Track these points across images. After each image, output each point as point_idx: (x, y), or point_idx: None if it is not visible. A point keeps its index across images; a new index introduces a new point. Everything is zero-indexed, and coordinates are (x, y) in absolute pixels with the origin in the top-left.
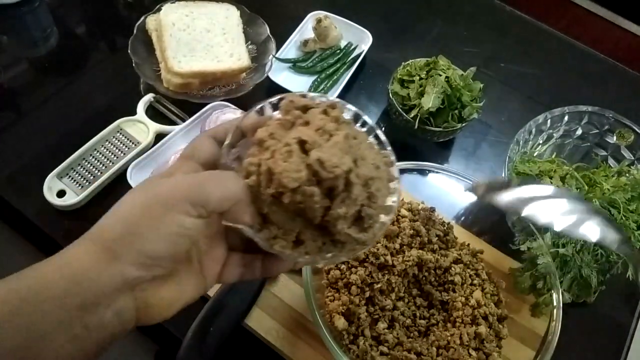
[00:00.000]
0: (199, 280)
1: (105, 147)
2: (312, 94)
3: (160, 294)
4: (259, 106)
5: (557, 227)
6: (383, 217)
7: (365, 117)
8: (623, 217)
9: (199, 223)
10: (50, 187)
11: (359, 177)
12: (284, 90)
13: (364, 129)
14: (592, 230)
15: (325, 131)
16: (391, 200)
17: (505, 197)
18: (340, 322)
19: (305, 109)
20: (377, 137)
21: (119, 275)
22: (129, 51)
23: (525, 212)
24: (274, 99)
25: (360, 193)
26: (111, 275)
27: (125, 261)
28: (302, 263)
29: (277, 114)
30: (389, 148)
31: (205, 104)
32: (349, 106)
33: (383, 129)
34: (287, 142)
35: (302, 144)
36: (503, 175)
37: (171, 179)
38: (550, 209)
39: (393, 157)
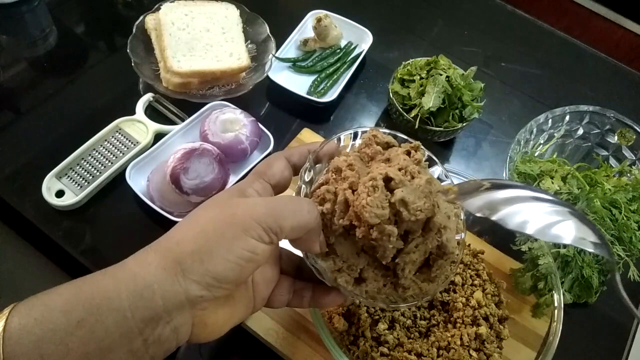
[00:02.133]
0: (249, 301)
1: (104, 147)
2: (393, 132)
3: (217, 314)
4: (339, 135)
5: (530, 231)
6: (448, 269)
7: (439, 163)
8: (624, 217)
9: (268, 249)
10: (49, 187)
11: (435, 225)
12: (284, 90)
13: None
14: (566, 233)
15: (408, 172)
16: (456, 253)
17: (475, 202)
18: (341, 323)
19: (386, 145)
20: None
21: (184, 293)
22: (128, 50)
23: (496, 216)
24: (354, 130)
25: (433, 241)
26: (176, 292)
27: (191, 279)
28: (357, 301)
29: (355, 145)
30: (460, 200)
31: (205, 104)
32: (425, 149)
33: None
34: (372, 176)
35: (388, 182)
36: (504, 175)
37: (248, 200)
38: (522, 212)
39: (462, 209)
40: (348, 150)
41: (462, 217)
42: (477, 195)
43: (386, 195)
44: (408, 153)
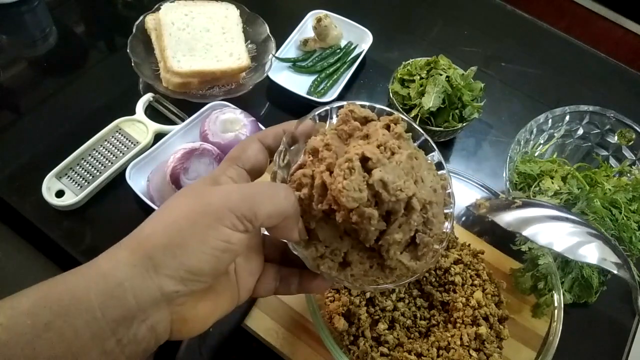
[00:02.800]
0: (233, 293)
1: (104, 147)
2: (370, 104)
3: (197, 308)
4: (315, 113)
5: (558, 248)
6: (437, 245)
7: (426, 136)
8: (624, 217)
9: (244, 238)
10: (49, 187)
11: (419, 202)
12: (284, 90)
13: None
14: (592, 253)
15: (387, 148)
16: (446, 227)
17: (506, 218)
18: (341, 323)
19: (364, 120)
20: (439, 159)
21: (157, 288)
22: (128, 50)
23: (527, 232)
24: (330, 106)
25: (417, 218)
26: (149, 289)
27: (164, 274)
28: (345, 285)
29: (333, 122)
30: (446, 170)
31: (205, 104)
32: (409, 120)
33: None
34: (348, 157)
35: (365, 161)
36: (504, 175)
37: (221, 188)
38: (551, 230)
39: (450, 180)
40: (326, 128)
41: (450, 189)
42: (508, 211)
43: (364, 177)
44: (387, 127)
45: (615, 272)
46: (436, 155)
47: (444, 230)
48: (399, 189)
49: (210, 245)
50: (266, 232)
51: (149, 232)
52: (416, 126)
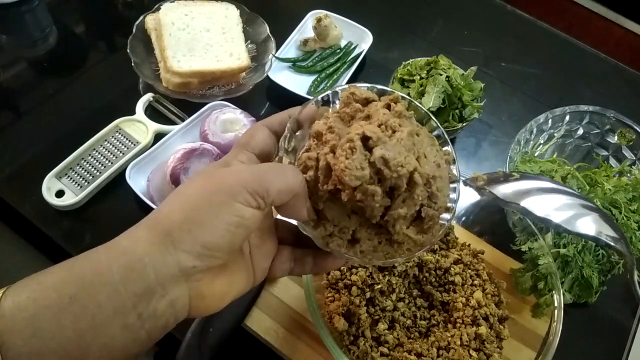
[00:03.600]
0: (249, 273)
1: (104, 147)
2: (371, 85)
3: (214, 285)
4: (318, 97)
5: (555, 220)
6: (443, 218)
7: (429, 114)
8: (624, 217)
9: (257, 214)
10: (49, 187)
11: (422, 177)
12: (284, 90)
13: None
14: (589, 226)
15: (388, 127)
16: (452, 200)
17: (503, 189)
18: (341, 323)
19: (365, 101)
20: (438, 133)
21: (176, 264)
22: (128, 50)
23: (523, 204)
24: (332, 90)
25: (421, 193)
26: (167, 264)
27: (182, 249)
28: (356, 262)
29: (335, 106)
30: (450, 145)
31: (205, 104)
32: (410, 99)
33: None
34: (349, 137)
35: (366, 141)
36: None
37: (233, 168)
38: (548, 202)
39: (454, 155)
40: (329, 112)
41: (455, 163)
42: (506, 183)
43: (365, 155)
44: (388, 107)
45: (612, 244)
46: (444, 132)
47: (449, 204)
48: (400, 165)
49: (224, 220)
50: (279, 216)
51: (166, 211)
52: (418, 105)
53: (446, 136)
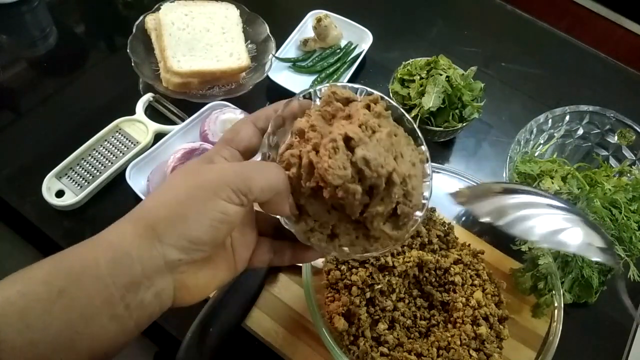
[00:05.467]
0: (230, 264)
1: (104, 147)
2: (351, 85)
3: (197, 277)
4: (301, 95)
5: (533, 237)
6: (417, 215)
7: (404, 112)
8: (624, 217)
9: (240, 210)
10: (49, 187)
11: (399, 176)
12: (284, 90)
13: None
14: (574, 239)
15: (368, 127)
16: (424, 198)
17: (483, 207)
18: (341, 323)
19: (346, 101)
20: (414, 132)
21: (161, 257)
22: (127, 50)
23: (502, 221)
24: (315, 88)
25: (398, 191)
26: (153, 257)
27: (167, 243)
28: (334, 255)
29: (317, 104)
30: (424, 145)
31: (205, 104)
32: (387, 99)
33: None
34: (332, 137)
35: (348, 141)
36: (504, 175)
37: (216, 165)
38: (531, 217)
39: (427, 154)
40: (312, 110)
41: (428, 162)
42: (486, 200)
43: (347, 155)
44: (368, 107)
45: (598, 258)
46: (419, 132)
47: (423, 201)
48: (380, 165)
49: (208, 216)
50: (260, 209)
51: (151, 206)
52: (394, 103)
53: (421, 135)
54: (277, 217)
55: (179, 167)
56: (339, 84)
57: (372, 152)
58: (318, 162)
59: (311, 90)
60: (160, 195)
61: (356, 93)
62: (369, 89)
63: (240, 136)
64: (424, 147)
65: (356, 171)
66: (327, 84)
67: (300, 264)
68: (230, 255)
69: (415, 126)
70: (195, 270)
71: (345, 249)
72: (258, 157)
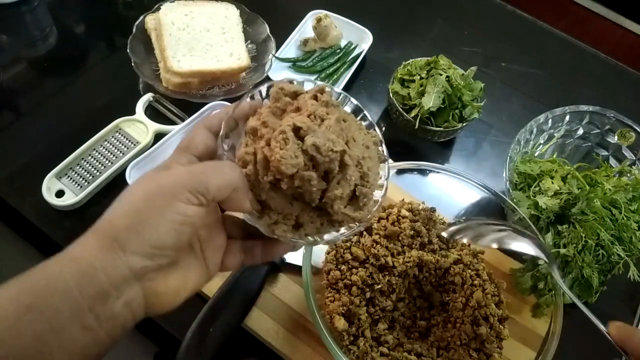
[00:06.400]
0: (202, 269)
1: (104, 147)
2: (298, 79)
3: (167, 283)
4: (249, 94)
5: (484, 242)
6: (376, 195)
7: (351, 98)
8: (624, 217)
9: (200, 211)
10: (49, 187)
11: (352, 158)
12: None
13: (349, 109)
14: (523, 247)
15: (317, 116)
16: (382, 178)
17: (469, 234)
18: (341, 323)
19: (294, 95)
20: (363, 117)
21: (126, 266)
22: (128, 50)
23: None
24: (263, 87)
25: (353, 173)
26: (118, 267)
27: (131, 251)
28: (302, 244)
29: (266, 102)
30: (376, 128)
31: (205, 104)
32: (335, 89)
33: (383, 128)
34: (282, 129)
35: (297, 131)
36: (504, 175)
37: (171, 170)
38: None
39: (380, 136)
40: (262, 108)
41: (382, 146)
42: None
43: (298, 144)
44: (315, 97)
45: (533, 253)
46: (368, 116)
47: (382, 181)
48: (331, 149)
49: (168, 219)
50: (227, 212)
51: (111, 218)
52: (340, 91)
53: (371, 119)
54: (242, 215)
55: None
56: (284, 79)
57: (322, 138)
58: (271, 154)
59: (259, 89)
60: (119, 206)
61: (303, 86)
62: (318, 82)
63: (195, 142)
64: (376, 130)
65: (308, 158)
66: (274, 81)
67: (300, 265)
68: (201, 259)
69: (360, 106)
70: (163, 277)
71: (311, 237)
72: None
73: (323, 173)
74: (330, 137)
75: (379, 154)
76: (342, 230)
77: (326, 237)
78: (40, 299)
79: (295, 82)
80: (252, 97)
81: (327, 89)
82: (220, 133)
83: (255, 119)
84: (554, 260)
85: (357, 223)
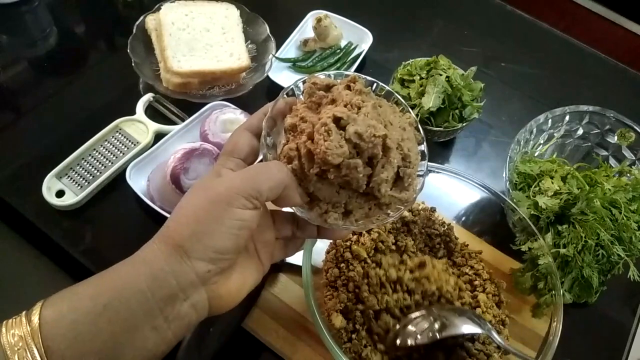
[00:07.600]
0: (257, 265)
1: (104, 147)
2: (328, 72)
3: (228, 284)
4: (285, 91)
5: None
6: (420, 172)
7: (381, 84)
8: (624, 217)
9: (255, 214)
10: (49, 187)
11: (393, 142)
12: None
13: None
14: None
15: (353, 105)
16: (419, 158)
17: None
18: (338, 320)
19: (327, 88)
20: (396, 101)
21: (192, 271)
22: (128, 51)
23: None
24: (298, 82)
25: (395, 156)
26: (185, 272)
27: (196, 257)
28: (354, 229)
29: (301, 98)
30: (410, 111)
31: (205, 104)
32: (364, 76)
33: None
34: (323, 122)
35: (338, 121)
36: (504, 175)
37: (224, 178)
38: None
39: (415, 118)
40: (298, 105)
41: (417, 125)
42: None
43: (340, 134)
44: (348, 87)
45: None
46: (400, 99)
47: (422, 161)
48: (373, 135)
49: (227, 225)
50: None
51: (174, 227)
52: (370, 79)
53: (404, 102)
54: (293, 210)
55: (179, 167)
56: (316, 73)
57: (362, 126)
58: (315, 148)
59: (293, 86)
60: (179, 216)
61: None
62: (346, 72)
63: (239, 145)
64: (410, 113)
65: (352, 147)
66: (306, 77)
67: (300, 265)
68: (255, 257)
69: (392, 90)
70: (225, 280)
71: (362, 221)
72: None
73: (367, 159)
74: (370, 123)
75: (415, 134)
76: (390, 212)
77: (374, 220)
78: (117, 300)
79: (326, 75)
80: (287, 95)
81: (359, 77)
82: (262, 133)
83: (292, 116)
84: (492, 327)
85: (404, 204)
